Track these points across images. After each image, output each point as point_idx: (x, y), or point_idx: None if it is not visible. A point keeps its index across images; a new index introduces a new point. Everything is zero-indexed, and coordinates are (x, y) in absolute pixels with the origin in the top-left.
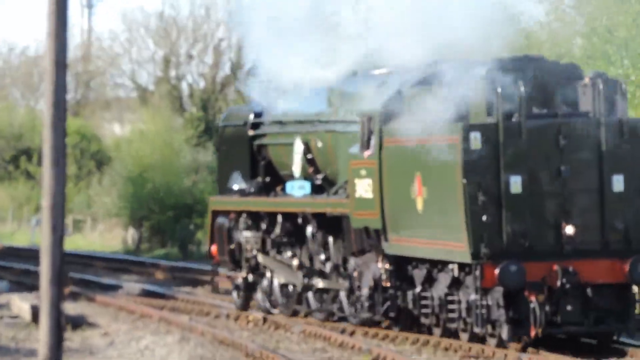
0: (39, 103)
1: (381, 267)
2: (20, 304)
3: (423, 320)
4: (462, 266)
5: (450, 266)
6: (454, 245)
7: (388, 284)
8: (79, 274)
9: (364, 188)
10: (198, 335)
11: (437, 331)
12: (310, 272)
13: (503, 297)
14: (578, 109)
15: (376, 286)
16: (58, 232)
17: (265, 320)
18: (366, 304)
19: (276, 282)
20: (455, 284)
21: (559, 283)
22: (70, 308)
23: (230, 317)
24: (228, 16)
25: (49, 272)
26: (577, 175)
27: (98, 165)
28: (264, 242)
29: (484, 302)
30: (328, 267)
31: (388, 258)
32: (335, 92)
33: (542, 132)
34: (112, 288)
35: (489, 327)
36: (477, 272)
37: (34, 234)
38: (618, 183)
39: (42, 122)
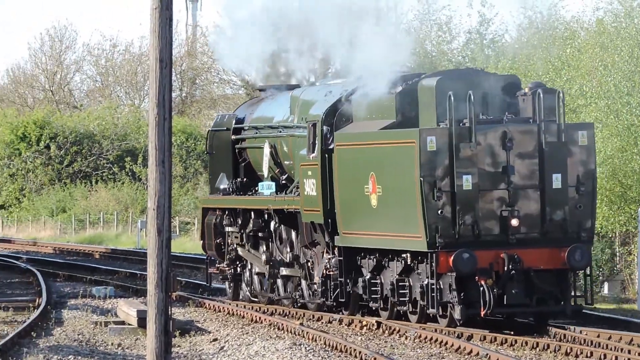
0: (143, 102)
1: (329, 258)
2: (127, 309)
3: (372, 304)
4: (415, 255)
5: (403, 255)
6: (409, 236)
7: (335, 273)
8: (187, 278)
9: (310, 187)
10: (310, 341)
11: (384, 314)
12: (275, 262)
13: (455, 281)
14: (519, 115)
15: (327, 275)
16: (164, 235)
17: (379, 324)
18: (319, 291)
19: (254, 272)
20: (407, 271)
21: (505, 269)
22: (179, 313)
23: (343, 322)
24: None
25: (156, 276)
26: (521, 174)
27: (204, 165)
28: (242, 236)
29: (438, 287)
30: (288, 258)
31: (337, 250)
32: (296, 100)
33: (490, 136)
34: (222, 292)
35: (441, 309)
36: (432, 260)
37: (140, 236)
38: (557, 181)
39: (147, 121)
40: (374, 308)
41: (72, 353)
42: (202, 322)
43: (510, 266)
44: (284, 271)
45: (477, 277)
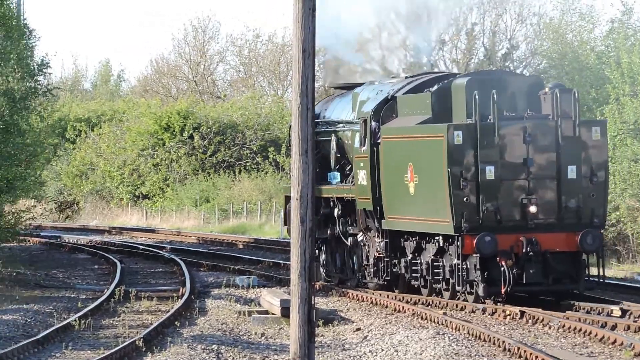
0: (286, 92)
1: (379, 241)
2: (270, 299)
3: (413, 282)
4: (446, 237)
5: (437, 238)
6: (440, 220)
7: (382, 255)
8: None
9: (362, 177)
10: (453, 330)
11: (424, 291)
12: (341, 246)
13: (479, 261)
14: (541, 112)
15: (379, 257)
16: (307, 224)
17: (522, 314)
18: (371, 271)
19: (328, 251)
20: (440, 252)
21: (524, 250)
22: (322, 303)
23: (486, 312)
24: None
25: (299, 265)
26: (539, 165)
27: None
28: (320, 220)
29: (464, 266)
30: (350, 242)
31: (385, 233)
32: (356, 98)
33: (511, 131)
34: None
35: (468, 287)
36: (459, 242)
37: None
38: (572, 172)
39: (290, 111)
40: (416, 286)
41: (215, 342)
42: (345, 311)
43: (529, 248)
44: (342, 253)
45: (498, 258)
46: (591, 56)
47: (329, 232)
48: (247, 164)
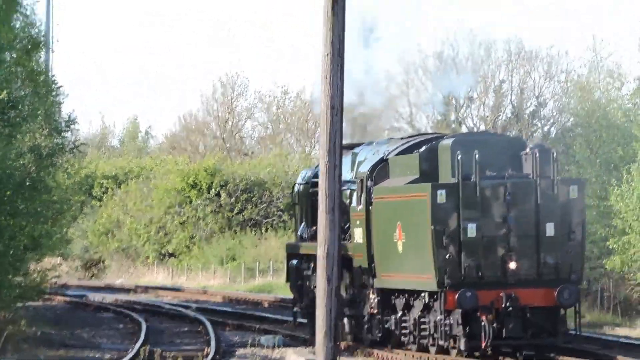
0: (314, 149)
1: (372, 298)
2: (295, 358)
3: (403, 338)
4: (431, 294)
5: (423, 294)
6: (425, 277)
7: (375, 312)
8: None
9: (358, 235)
10: None
11: (413, 347)
12: (342, 302)
13: (461, 316)
14: (522, 171)
15: (372, 313)
16: (333, 283)
17: None
18: (365, 327)
19: None
20: (426, 308)
21: (503, 305)
22: None
23: None
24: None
25: (325, 324)
26: (519, 223)
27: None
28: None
29: (447, 321)
30: (348, 298)
31: (377, 290)
32: (355, 158)
33: (492, 190)
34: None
35: (451, 341)
36: (442, 298)
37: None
38: (550, 229)
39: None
40: (405, 342)
41: None
42: None
43: (508, 304)
44: (347, 311)
45: (479, 313)
46: (618, 114)
47: None
48: (274, 222)
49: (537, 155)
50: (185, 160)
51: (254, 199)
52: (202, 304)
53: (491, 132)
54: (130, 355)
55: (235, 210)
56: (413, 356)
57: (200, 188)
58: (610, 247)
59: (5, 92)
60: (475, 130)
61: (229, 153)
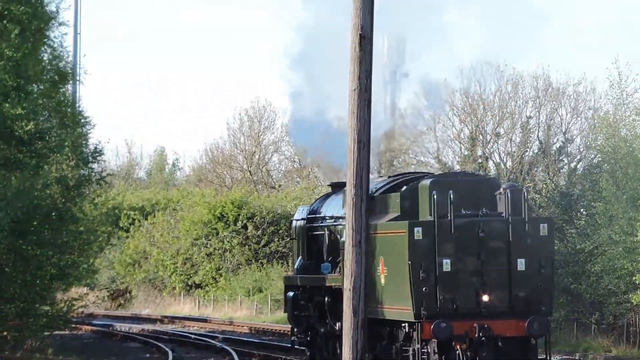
0: None
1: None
2: None
3: None
4: (410, 324)
5: (403, 325)
6: (404, 309)
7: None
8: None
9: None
10: None
11: None
12: (332, 333)
13: (437, 346)
14: (496, 210)
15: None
16: (359, 316)
17: None
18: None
19: (321, 337)
20: (407, 338)
21: (477, 336)
22: None
23: None
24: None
25: (351, 357)
26: (492, 258)
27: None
28: (310, 308)
29: (425, 350)
30: (339, 329)
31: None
32: (345, 196)
33: (466, 227)
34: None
35: None
36: (419, 328)
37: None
38: (521, 264)
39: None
40: None
41: None
42: None
43: (482, 334)
44: (338, 342)
45: (453, 343)
46: None
47: (322, 320)
48: None
49: (510, 194)
50: (212, 193)
51: (280, 232)
52: (228, 335)
53: (469, 172)
54: None
55: (262, 243)
56: None
57: (227, 220)
58: (637, 282)
59: (32, 123)
60: (502, 165)
61: (255, 186)
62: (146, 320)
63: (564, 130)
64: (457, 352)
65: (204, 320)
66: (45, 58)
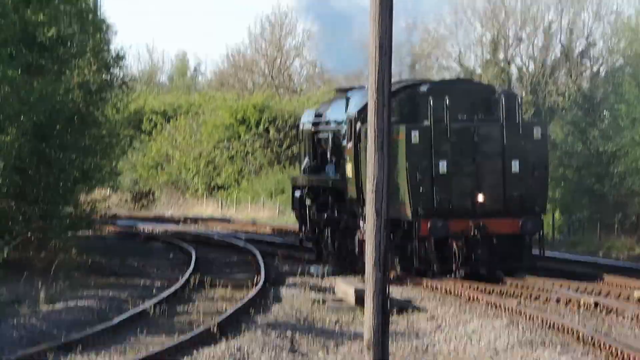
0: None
1: (362, 225)
2: (345, 287)
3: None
4: (409, 223)
5: (402, 223)
6: (402, 208)
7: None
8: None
9: (349, 170)
10: (527, 320)
11: (397, 267)
12: (336, 229)
13: (434, 243)
14: (491, 114)
15: (362, 239)
16: (381, 216)
17: (596, 304)
18: (357, 251)
19: (326, 235)
20: (406, 235)
21: (472, 234)
22: (396, 292)
23: (560, 302)
24: None
25: (374, 256)
26: (487, 161)
27: None
28: (316, 207)
29: (422, 247)
30: (341, 225)
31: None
32: (348, 100)
33: (462, 132)
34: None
35: (426, 264)
36: (416, 226)
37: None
38: (515, 166)
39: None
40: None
41: (290, 329)
42: (419, 300)
43: (477, 232)
44: (342, 235)
45: (450, 240)
46: None
47: (325, 216)
48: None
49: (504, 100)
50: (234, 97)
51: None
52: (251, 235)
53: (465, 79)
54: (181, 282)
55: (284, 146)
56: (462, 285)
57: (249, 124)
58: None
59: (54, 29)
60: (524, 69)
61: (277, 90)
62: (169, 221)
63: (586, 34)
64: (454, 249)
65: (227, 221)
66: None
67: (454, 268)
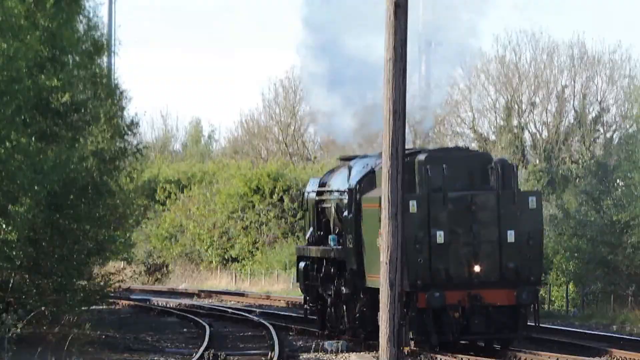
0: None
1: (362, 297)
2: None
3: None
4: (407, 294)
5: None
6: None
7: (365, 309)
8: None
9: (350, 240)
10: None
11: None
12: (339, 300)
13: (432, 314)
14: (488, 183)
15: (363, 310)
16: (396, 289)
17: None
18: (357, 323)
19: (329, 306)
20: (406, 306)
21: (469, 305)
22: None
23: None
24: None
25: (387, 330)
26: (483, 230)
27: None
28: (320, 278)
29: (420, 319)
30: (344, 297)
31: (366, 290)
32: (350, 170)
33: (459, 201)
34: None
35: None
36: (414, 298)
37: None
38: (511, 236)
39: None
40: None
41: None
42: None
43: (473, 303)
44: (345, 308)
45: (447, 311)
46: None
47: (328, 288)
48: None
49: (500, 169)
50: (248, 165)
51: None
52: (265, 309)
53: (462, 147)
54: (195, 358)
55: (298, 216)
56: None
57: (263, 193)
58: None
59: (67, 95)
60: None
61: (291, 158)
62: (183, 295)
63: (599, 99)
64: (451, 319)
65: (241, 295)
66: (80, 28)
67: (451, 338)
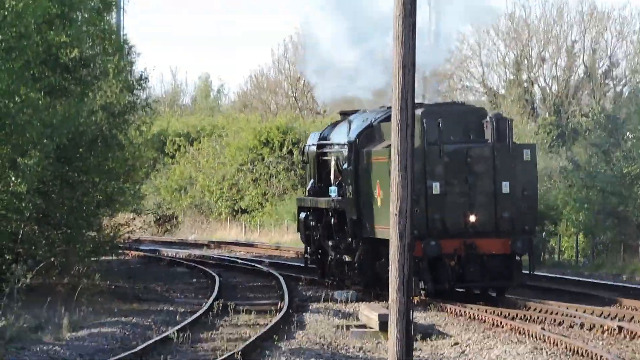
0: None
1: (362, 246)
2: (368, 313)
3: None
4: None
5: None
6: None
7: (364, 258)
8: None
9: (349, 191)
10: (551, 345)
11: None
12: (339, 250)
13: (427, 263)
14: (484, 137)
15: (362, 259)
16: (405, 239)
17: (620, 329)
18: (356, 272)
19: (330, 258)
20: None
21: (464, 253)
22: (420, 317)
23: (584, 327)
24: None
25: (397, 280)
26: (478, 182)
27: None
28: (320, 228)
29: (416, 267)
30: (344, 246)
31: (365, 240)
32: (350, 124)
33: (455, 154)
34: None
35: (421, 284)
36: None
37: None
38: (505, 187)
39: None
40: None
41: (313, 356)
42: (443, 326)
43: (469, 251)
44: (346, 258)
45: (443, 260)
46: None
47: (330, 239)
48: None
49: (495, 123)
50: (258, 119)
51: None
52: (275, 259)
53: (459, 102)
54: (204, 308)
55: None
56: (486, 310)
57: (273, 146)
58: None
59: (76, 50)
60: (548, 89)
61: (300, 112)
62: (192, 246)
63: (609, 54)
64: (447, 268)
65: (251, 245)
66: None
67: (446, 286)
